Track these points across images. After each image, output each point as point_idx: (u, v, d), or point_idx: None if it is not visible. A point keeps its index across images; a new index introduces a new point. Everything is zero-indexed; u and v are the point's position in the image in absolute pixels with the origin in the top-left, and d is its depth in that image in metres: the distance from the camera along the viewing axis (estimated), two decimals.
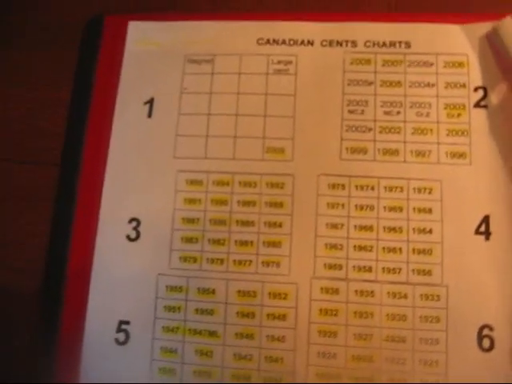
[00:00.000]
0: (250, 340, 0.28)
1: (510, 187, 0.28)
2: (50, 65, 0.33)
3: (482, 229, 0.28)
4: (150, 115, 0.31)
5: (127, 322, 0.29)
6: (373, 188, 0.29)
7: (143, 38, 0.32)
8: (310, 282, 0.28)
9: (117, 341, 0.29)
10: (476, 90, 0.30)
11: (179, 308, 0.29)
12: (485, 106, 0.30)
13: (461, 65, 0.30)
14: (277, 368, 0.28)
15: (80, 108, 0.32)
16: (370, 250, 0.28)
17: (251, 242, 0.29)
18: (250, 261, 0.29)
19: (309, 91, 0.30)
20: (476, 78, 0.30)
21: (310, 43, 0.31)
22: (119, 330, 0.29)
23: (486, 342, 0.27)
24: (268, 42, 0.31)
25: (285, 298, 0.28)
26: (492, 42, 0.30)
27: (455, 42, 0.30)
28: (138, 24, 0.32)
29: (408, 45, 0.30)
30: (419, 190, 0.29)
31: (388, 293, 0.28)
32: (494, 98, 0.29)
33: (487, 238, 0.28)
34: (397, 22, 0.31)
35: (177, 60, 0.31)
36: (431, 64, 0.30)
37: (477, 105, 0.30)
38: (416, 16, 0.31)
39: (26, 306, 0.30)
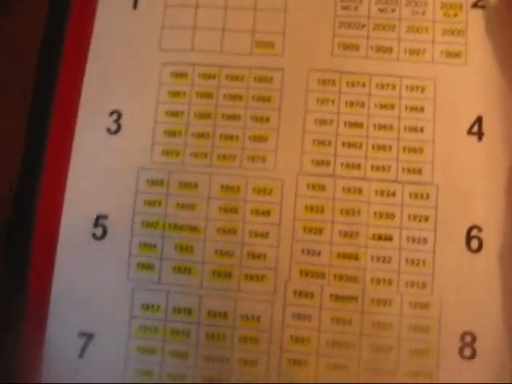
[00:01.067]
0: (233, 235, 0.27)
1: (505, 89, 0.28)
2: None
3: (475, 129, 0.27)
4: (135, 6, 0.30)
5: (105, 217, 0.28)
6: (364, 85, 0.28)
7: None
8: (296, 177, 0.27)
9: (94, 235, 0.28)
10: None
11: (160, 202, 0.28)
12: (482, 7, 0.28)
13: None
14: (259, 264, 0.27)
15: (59, 4, 0.30)
16: (360, 147, 0.28)
17: (236, 137, 0.28)
18: (235, 155, 0.28)
19: None
20: None
21: None
22: (96, 225, 0.28)
23: (475, 243, 0.26)
24: None
25: (269, 194, 0.27)
26: None
27: None
28: None
29: None
30: (412, 88, 0.28)
31: (376, 191, 0.27)
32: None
33: (479, 139, 0.27)
34: None
35: None
36: None
37: (474, 5, 0.29)
38: None
39: None
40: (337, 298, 0.27)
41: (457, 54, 0.28)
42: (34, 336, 0.27)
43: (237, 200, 0.27)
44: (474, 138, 0.27)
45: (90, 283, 0.27)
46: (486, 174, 0.27)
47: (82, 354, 0.27)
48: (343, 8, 0.29)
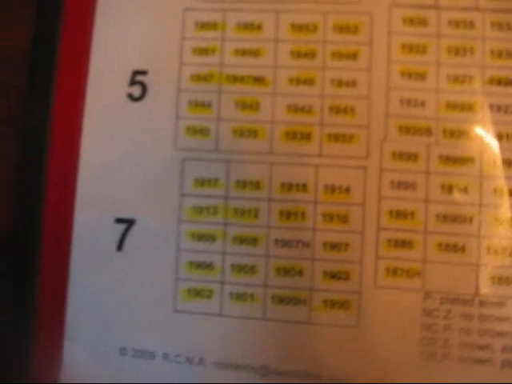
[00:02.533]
0: (310, 86, 0.21)
1: None
2: None
3: None
4: None
5: (144, 72, 0.22)
6: None
7: None
8: (388, 10, 0.21)
9: (130, 96, 0.22)
10: None
11: (213, 49, 0.22)
12: None
13: None
14: (346, 121, 0.21)
15: None
16: None
17: None
18: None
19: None
20: None
21: None
22: (133, 83, 0.22)
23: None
24: None
25: (355, 32, 0.22)
26: None
27: None
28: None
29: None
30: None
31: (492, 23, 0.21)
32: None
33: None
34: None
35: None
36: None
37: None
38: None
39: None
40: (447, 159, 0.20)
41: None
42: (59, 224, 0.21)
43: (314, 41, 0.21)
44: None
45: (130, 150, 0.21)
46: None
47: (120, 246, 0.21)
48: None
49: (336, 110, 0.21)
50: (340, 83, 0.21)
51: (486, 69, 0.21)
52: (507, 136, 0.21)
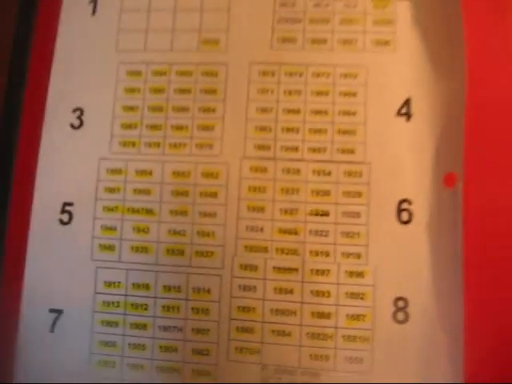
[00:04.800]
0: (184, 216, 0.30)
1: (431, 73, 0.30)
2: None
3: (404, 110, 0.30)
4: (94, 12, 0.33)
5: (71, 204, 0.31)
6: (301, 74, 0.30)
7: None
8: (240, 161, 0.30)
9: (61, 221, 0.31)
10: None
11: (119, 189, 0.31)
12: None
13: None
14: (208, 242, 0.30)
15: (26, 14, 0.33)
16: (297, 132, 0.30)
17: (186, 127, 0.31)
18: (185, 144, 0.31)
19: None
20: None
21: None
22: (63, 211, 0.31)
23: (405, 215, 0.29)
24: None
25: (216, 177, 0.30)
26: None
27: None
28: None
29: None
30: (345, 76, 0.30)
31: (313, 170, 0.30)
32: None
33: (408, 119, 0.29)
34: None
35: None
36: None
37: None
38: None
39: None
40: (279, 269, 0.29)
41: (386, 43, 0.30)
42: (8, 315, 0.30)
43: (187, 184, 0.30)
44: (403, 119, 0.29)
45: (58, 264, 0.30)
46: (414, 151, 0.29)
47: (52, 329, 0.30)
48: (281, 5, 0.31)
49: (202, 233, 0.30)
50: (205, 214, 0.30)
51: (308, 204, 0.30)
52: (322, 253, 0.29)
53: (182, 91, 0.31)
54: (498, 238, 0.28)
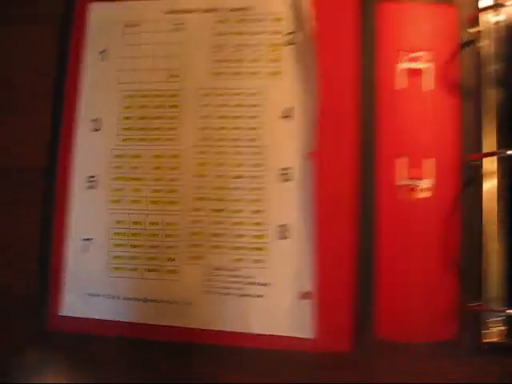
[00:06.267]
0: (159, 182, 0.52)
1: (303, 91, 0.50)
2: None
3: (287, 114, 0.50)
4: (102, 59, 0.54)
5: (94, 176, 0.53)
6: (225, 94, 0.52)
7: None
8: (192, 148, 0.52)
9: (89, 187, 0.53)
10: (288, 34, 0.51)
11: (121, 167, 0.53)
12: (293, 44, 0.51)
13: (279, 20, 0.52)
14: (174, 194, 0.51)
15: (62, 60, 0.55)
16: (224, 128, 0.51)
17: (160, 128, 0.52)
18: (159, 138, 0.52)
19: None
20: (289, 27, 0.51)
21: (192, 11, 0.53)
22: (89, 181, 0.53)
23: (286, 177, 0.50)
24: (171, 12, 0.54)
25: (177, 157, 0.52)
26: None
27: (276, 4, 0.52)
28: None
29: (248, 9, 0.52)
30: (252, 94, 0.51)
31: (235, 152, 0.51)
32: (299, 38, 0.51)
33: (290, 120, 0.50)
34: None
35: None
36: (261, 20, 0.52)
37: (289, 43, 0.51)
38: None
39: None
40: (215, 210, 0.51)
41: (277, 73, 0.51)
42: (58, 243, 0.53)
43: (163, 162, 0.52)
44: (287, 120, 0.50)
45: (88, 213, 0.53)
46: (292, 139, 0.50)
47: (87, 250, 0.53)
48: (213, 52, 0.52)
49: (170, 190, 0.52)
50: (171, 180, 0.52)
51: (229, 171, 0.51)
52: (238, 200, 0.51)
53: (157, 107, 0.52)
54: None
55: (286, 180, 0.49)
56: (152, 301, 0.50)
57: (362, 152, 0.49)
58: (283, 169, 0.49)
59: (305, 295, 0.48)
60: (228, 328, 0.49)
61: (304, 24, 0.50)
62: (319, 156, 0.49)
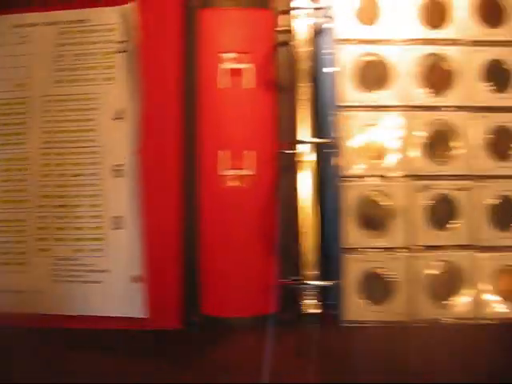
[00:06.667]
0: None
1: (131, 95, 0.56)
2: None
3: (120, 116, 0.56)
4: None
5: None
6: (67, 100, 0.57)
7: None
8: (41, 150, 0.57)
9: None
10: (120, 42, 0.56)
11: None
12: (125, 51, 0.56)
13: (112, 30, 0.57)
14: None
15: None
16: (69, 129, 0.56)
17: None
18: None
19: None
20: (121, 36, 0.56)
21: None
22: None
23: (118, 174, 0.55)
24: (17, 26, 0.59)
25: (25, 160, 0.57)
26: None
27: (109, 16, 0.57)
28: None
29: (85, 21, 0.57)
30: (89, 99, 0.56)
31: (76, 152, 0.56)
32: (129, 46, 0.56)
33: (121, 120, 0.55)
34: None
35: None
36: (97, 31, 0.57)
37: (121, 51, 0.56)
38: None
39: None
40: (60, 206, 0.56)
41: (111, 79, 0.56)
42: None
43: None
44: (119, 121, 0.55)
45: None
46: (128, 137, 0.55)
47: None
48: (55, 65, 0.57)
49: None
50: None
51: (70, 170, 0.56)
52: (79, 195, 0.56)
53: (5, 114, 0.57)
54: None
55: (119, 176, 0.54)
56: (5, 291, 0.55)
57: (186, 147, 0.54)
58: (116, 165, 0.54)
59: (137, 279, 0.53)
60: (74, 312, 0.54)
61: (132, 33, 0.55)
62: (145, 152, 0.54)
